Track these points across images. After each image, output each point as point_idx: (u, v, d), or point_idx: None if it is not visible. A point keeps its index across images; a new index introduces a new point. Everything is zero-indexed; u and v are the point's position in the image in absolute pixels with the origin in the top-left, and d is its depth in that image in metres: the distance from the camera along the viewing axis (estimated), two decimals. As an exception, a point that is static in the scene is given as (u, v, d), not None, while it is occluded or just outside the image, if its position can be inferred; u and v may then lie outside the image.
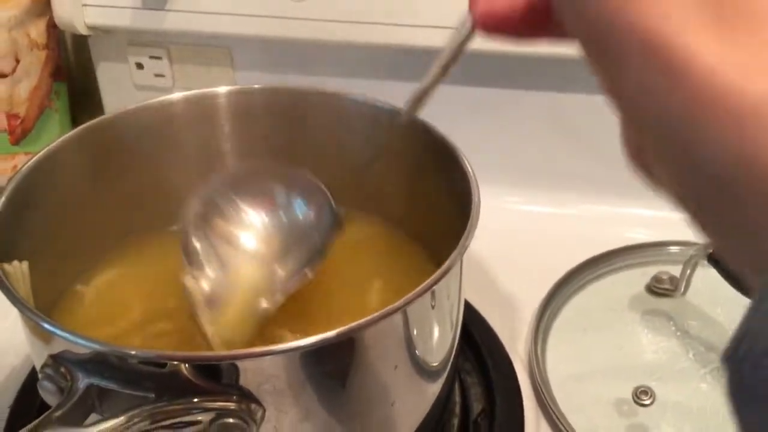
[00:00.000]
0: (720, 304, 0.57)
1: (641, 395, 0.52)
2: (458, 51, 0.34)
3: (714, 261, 0.53)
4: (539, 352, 0.55)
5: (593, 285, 0.61)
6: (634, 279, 0.61)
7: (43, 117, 0.68)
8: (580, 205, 0.69)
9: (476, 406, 0.52)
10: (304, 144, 0.53)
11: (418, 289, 0.36)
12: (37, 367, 0.38)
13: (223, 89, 0.51)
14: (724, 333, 0.55)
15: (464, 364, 0.55)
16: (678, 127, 0.19)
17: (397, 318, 0.36)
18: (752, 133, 0.18)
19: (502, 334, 0.57)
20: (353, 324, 0.34)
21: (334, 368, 0.36)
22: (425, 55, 0.65)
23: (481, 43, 0.64)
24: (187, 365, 0.33)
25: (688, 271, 0.57)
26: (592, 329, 0.58)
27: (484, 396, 0.53)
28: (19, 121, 0.65)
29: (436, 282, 0.36)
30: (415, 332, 0.38)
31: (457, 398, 0.52)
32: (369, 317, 0.34)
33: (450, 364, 0.45)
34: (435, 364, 0.43)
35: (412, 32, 0.62)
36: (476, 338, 0.56)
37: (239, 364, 0.33)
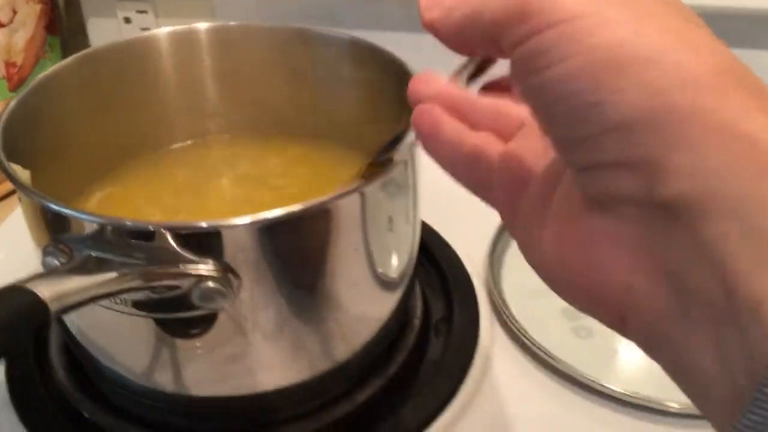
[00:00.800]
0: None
1: (584, 299, 0.57)
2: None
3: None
4: (495, 269, 0.61)
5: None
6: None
7: (38, 66, 0.73)
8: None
9: (436, 312, 0.58)
10: (275, 73, 0.58)
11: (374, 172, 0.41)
12: (38, 254, 0.43)
13: (203, 25, 0.56)
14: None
15: (426, 278, 0.61)
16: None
17: (355, 198, 0.41)
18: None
19: (462, 254, 0.62)
20: (316, 200, 0.39)
21: (300, 241, 0.40)
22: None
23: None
24: (171, 236, 0.38)
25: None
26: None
27: (444, 305, 0.58)
28: (16, 69, 0.70)
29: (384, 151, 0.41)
30: (372, 216, 0.43)
31: (419, 303, 0.58)
32: (330, 195, 0.40)
33: (409, 261, 0.50)
34: (392, 267, 0.47)
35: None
36: (437, 257, 0.62)
37: (213, 233, 0.38)
